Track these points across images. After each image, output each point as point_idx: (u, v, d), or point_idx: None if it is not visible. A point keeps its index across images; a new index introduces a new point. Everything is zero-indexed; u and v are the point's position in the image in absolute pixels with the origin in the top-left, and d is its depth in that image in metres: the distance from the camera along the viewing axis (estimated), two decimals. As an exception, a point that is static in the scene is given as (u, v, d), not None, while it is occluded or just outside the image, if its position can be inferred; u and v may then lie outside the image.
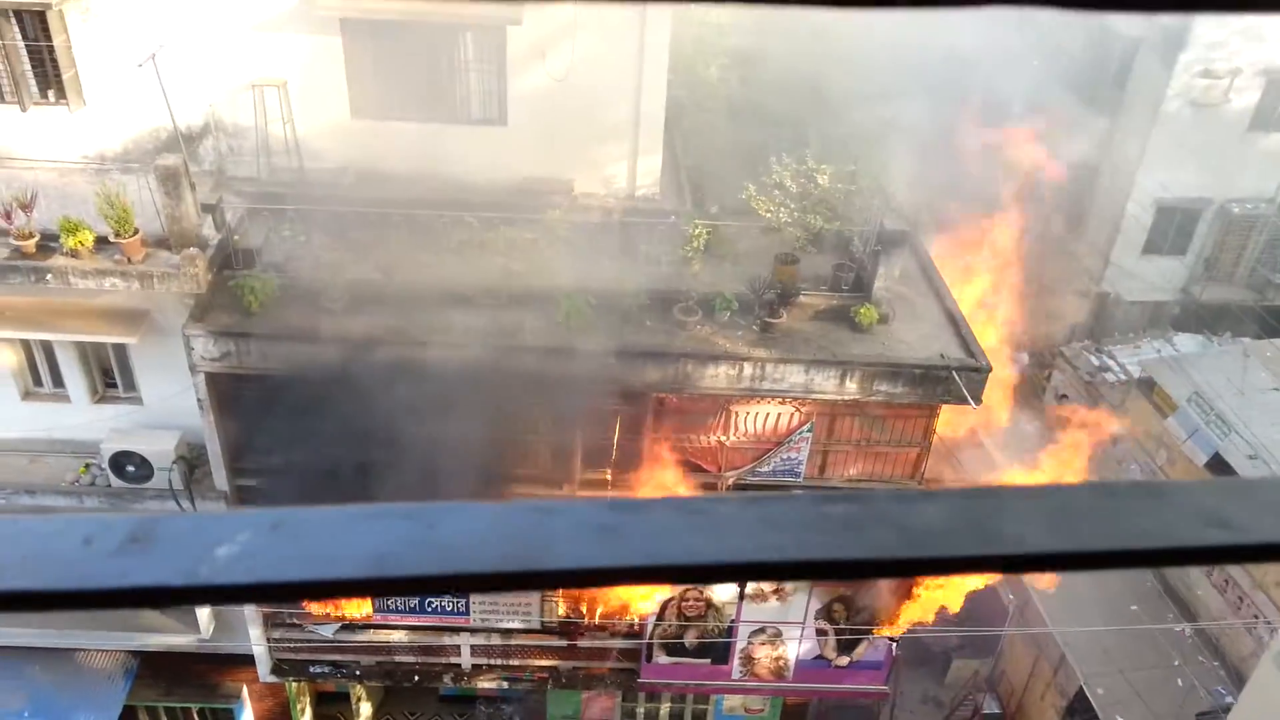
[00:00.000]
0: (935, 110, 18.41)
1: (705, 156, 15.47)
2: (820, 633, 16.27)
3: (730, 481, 14.33)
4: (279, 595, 0.70)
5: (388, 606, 15.77)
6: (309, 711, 18.36)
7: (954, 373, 13.10)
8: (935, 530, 0.74)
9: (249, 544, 0.70)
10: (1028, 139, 22.40)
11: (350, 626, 15.99)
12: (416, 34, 13.53)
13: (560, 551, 0.71)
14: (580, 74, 13.78)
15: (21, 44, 13.23)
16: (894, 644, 16.58)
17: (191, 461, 14.07)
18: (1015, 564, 0.74)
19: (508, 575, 0.70)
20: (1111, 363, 20.98)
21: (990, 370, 13.35)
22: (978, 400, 13.39)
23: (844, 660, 16.65)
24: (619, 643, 16.45)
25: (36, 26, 13.06)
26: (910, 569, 0.74)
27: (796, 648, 16.45)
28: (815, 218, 13.58)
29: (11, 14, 12.98)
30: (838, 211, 13.81)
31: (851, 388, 13.24)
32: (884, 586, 15.55)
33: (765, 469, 14.39)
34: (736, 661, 16.64)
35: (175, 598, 0.69)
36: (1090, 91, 23.05)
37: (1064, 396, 21.28)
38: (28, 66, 13.46)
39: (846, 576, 0.74)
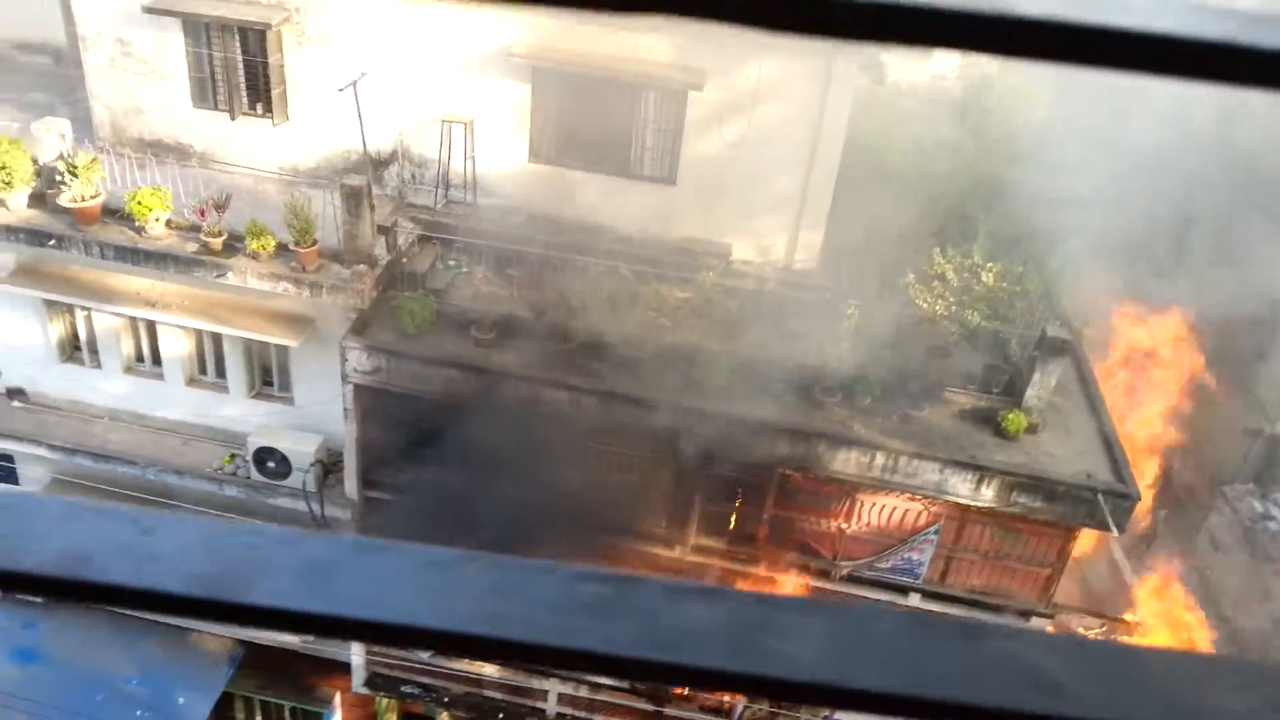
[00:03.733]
0: (1120, 221, 17.72)
1: (868, 238, 15.30)
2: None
3: (845, 572, 13.94)
4: None
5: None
6: (394, 729, 18.61)
7: (1100, 495, 12.45)
8: (692, 634, 0.65)
9: None
10: (1213, 259, 21.30)
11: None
12: (602, 89, 13.94)
13: (261, 586, 0.65)
14: (754, 143, 13.91)
15: (240, 59, 14.26)
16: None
17: (328, 466, 14.61)
18: (781, 690, 0.64)
19: (198, 601, 0.65)
20: (1276, 512, 19.54)
21: (1139, 499, 12.65)
22: (1122, 529, 12.69)
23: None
24: (705, 718, 16.08)
25: (256, 44, 14.07)
26: (646, 672, 0.64)
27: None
28: (973, 314, 13.23)
29: (236, 30, 14.03)
30: (999, 311, 13.41)
31: (987, 494, 12.74)
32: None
33: (884, 565, 13.94)
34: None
35: None
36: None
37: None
38: (242, 79, 14.48)
39: (569, 667, 0.66)
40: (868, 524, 13.70)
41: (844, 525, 13.72)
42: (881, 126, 16.51)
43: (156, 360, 15.08)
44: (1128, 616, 14.83)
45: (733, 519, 13.97)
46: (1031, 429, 13.11)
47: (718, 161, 14.12)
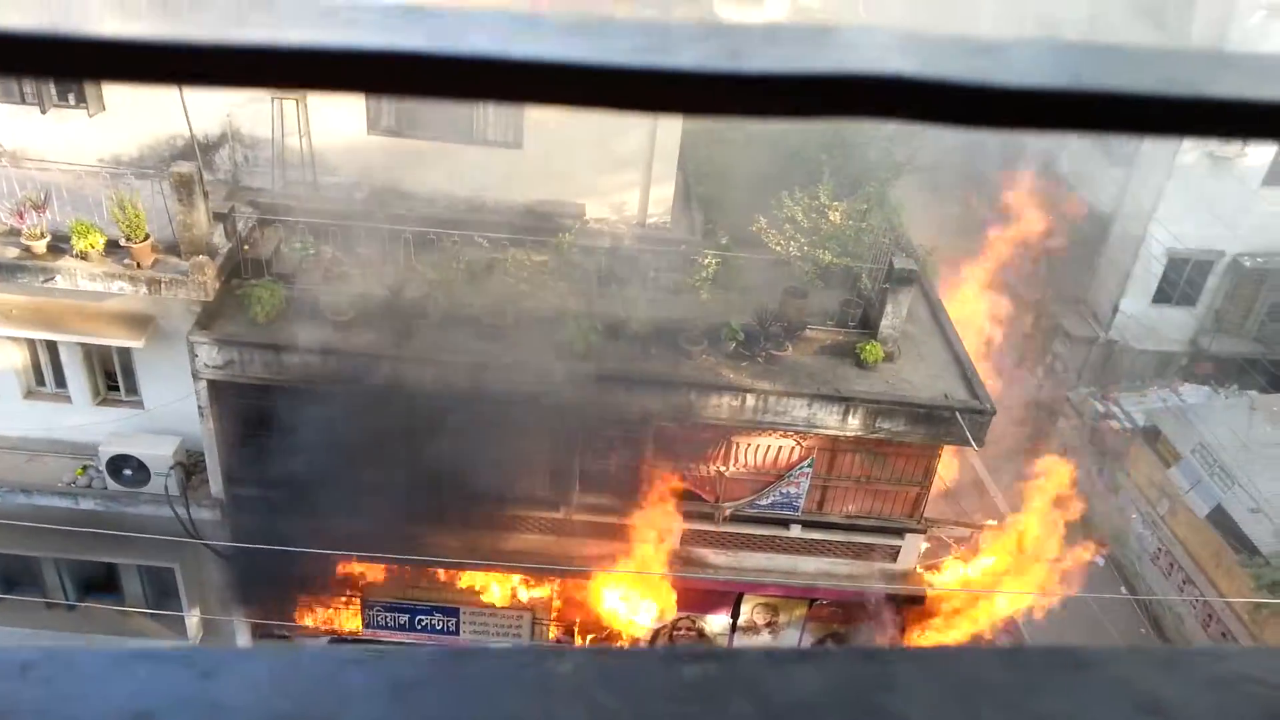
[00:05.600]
0: (951, 151, 18.41)
1: (717, 187, 15.50)
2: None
3: (728, 513, 14.27)
4: None
5: (378, 622, 15.69)
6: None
7: (957, 414, 13.05)
8: (805, 704, 0.63)
9: None
10: (1042, 184, 22.36)
11: (339, 639, 15.90)
12: (436, 53, 13.58)
13: (347, 718, 0.61)
14: (597, 100, 13.82)
15: (44, 46, 13.32)
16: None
17: (189, 468, 14.05)
18: None
19: None
20: (1117, 410, 20.90)
21: (994, 413, 13.31)
22: (980, 442, 13.34)
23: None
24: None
25: (60, 29, 13.14)
26: None
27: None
28: (825, 253, 13.59)
29: (36, 16, 13.07)
30: (848, 248, 13.81)
31: (854, 424, 13.19)
32: (881, 624, 15.45)
33: (764, 502, 14.33)
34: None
35: None
36: (1106, 139, 23.08)
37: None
38: (49, 68, 13.54)
39: None
40: (745, 464, 14.03)
41: (722, 468, 14.01)
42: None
43: (-13, 376, 14.14)
44: (991, 523, 15.65)
45: (613, 475, 14.08)
46: (888, 357, 13.62)
47: (562, 122, 13.99)
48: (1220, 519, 17.90)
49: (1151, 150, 22.21)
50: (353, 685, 0.63)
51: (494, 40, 0.43)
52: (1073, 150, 23.46)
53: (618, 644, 15.17)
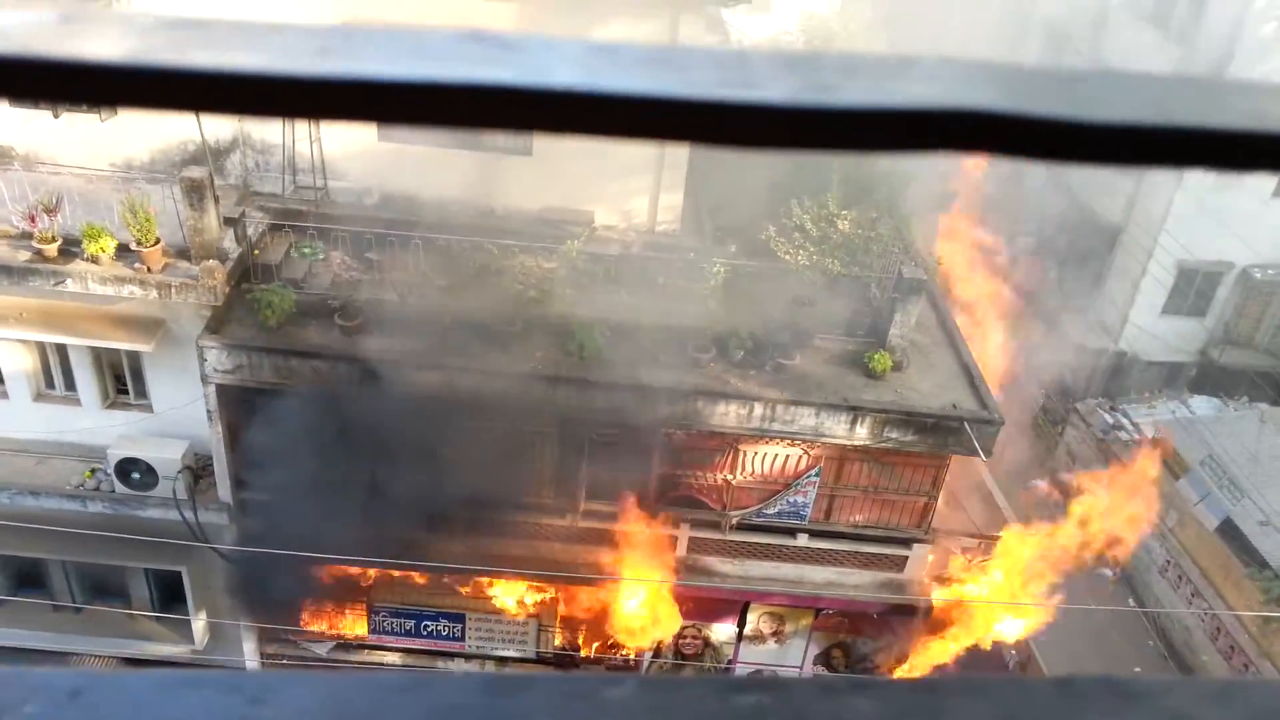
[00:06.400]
0: (961, 159, 18.36)
1: (727, 195, 15.50)
2: (818, 679, 16.08)
3: (735, 521, 14.24)
4: None
5: (384, 628, 15.67)
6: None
7: (966, 424, 13.01)
8: None
9: (36, 717, 0.59)
10: (1052, 194, 22.31)
11: (345, 645, 15.89)
12: (447, 60, 13.60)
13: None
14: (607, 107, 13.84)
15: (57, 50, 13.36)
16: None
17: (197, 472, 14.06)
18: None
19: None
20: (1125, 422, 20.82)
21: (1003, 423, 13.27)
22: (988, 453, 13.29)
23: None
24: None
25: (73, 34, 13.20)
26: None
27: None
28: (834, 262, 13.57)
29: (49, 20, 13.13)
30: (857, 256, 13.79)
31: (861, 433, 13.16)
32: (888, 634, 15.41)
33: (771, 511, 14.30)
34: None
35: None
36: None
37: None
38: (62, 72, 13.60)
39: None
40: (752, 473, 14.01)
41: (729, 476, 13.98)
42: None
43: (-2, 378, 14.18)
44: (998, 534, 15.58)
45: (620, 482, 14.06)
46: (897, 367, 13.59)
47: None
48: (1229, 531, 17.82)
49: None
50: (402, 712, 0.62)
51: (583, 73, 0.42)
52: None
53: (665, 671, 15.13)
